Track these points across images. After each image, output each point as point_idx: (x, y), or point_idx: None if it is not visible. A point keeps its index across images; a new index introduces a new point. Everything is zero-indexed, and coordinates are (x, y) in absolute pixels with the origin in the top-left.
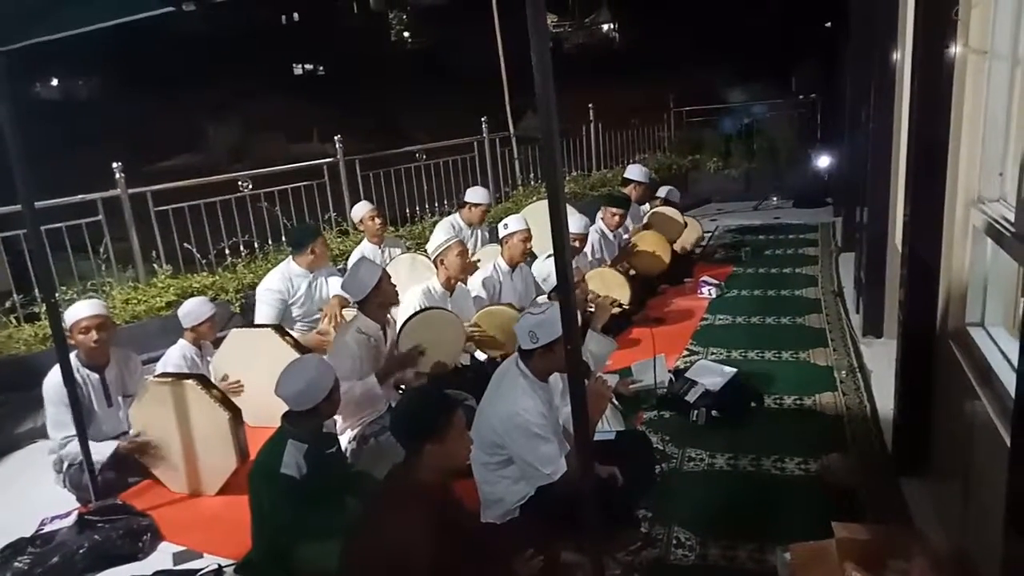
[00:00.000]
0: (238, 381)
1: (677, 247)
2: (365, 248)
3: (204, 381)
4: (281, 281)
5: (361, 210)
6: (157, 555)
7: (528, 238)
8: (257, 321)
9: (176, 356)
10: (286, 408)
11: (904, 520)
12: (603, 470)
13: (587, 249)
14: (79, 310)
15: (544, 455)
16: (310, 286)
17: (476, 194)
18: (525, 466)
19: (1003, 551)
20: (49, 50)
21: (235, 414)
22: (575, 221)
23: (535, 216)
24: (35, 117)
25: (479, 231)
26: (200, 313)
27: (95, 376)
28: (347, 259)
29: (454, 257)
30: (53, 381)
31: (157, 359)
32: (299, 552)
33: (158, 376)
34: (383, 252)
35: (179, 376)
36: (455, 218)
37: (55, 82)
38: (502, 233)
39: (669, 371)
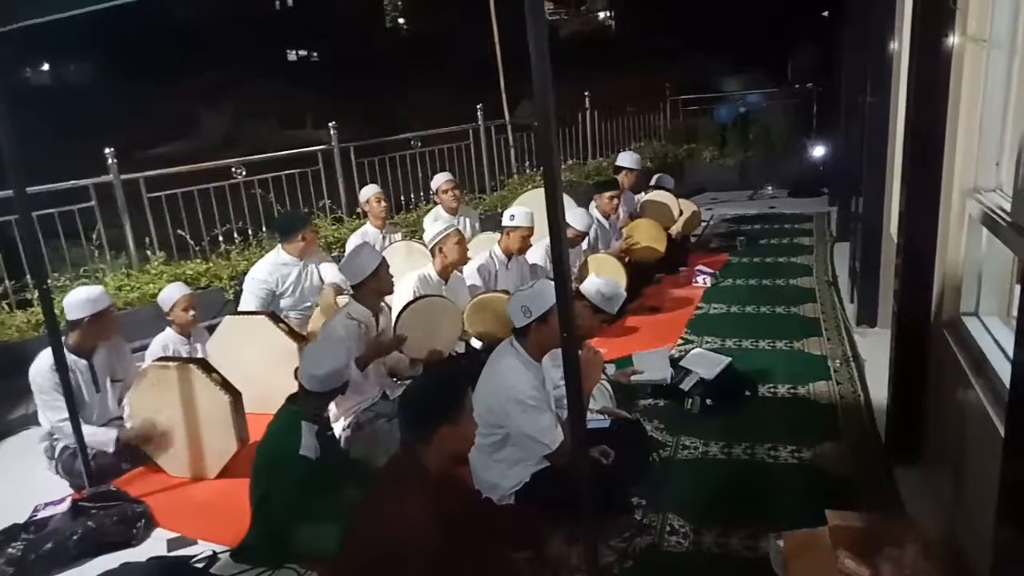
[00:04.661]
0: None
1: (673, 232)
2: (368, 231)
3: (205, 365)
4: (270, 271)
5: (368, 192)
6: (151, 542)
7: (531, 235)
8: (241, 310)
9: (156, 349)
10: (281, 393)
11: (897, 508)
12: (595, 449)
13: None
14: (96, 301)
15: (542, 426)
16: (299, 275)
17: (437, 178)
18: (524, 439)
19: (994, 539)
20: (40, 34)
21: (235, 397)
22: (579, 217)
23: (532, 204)
24: (26, 102)
25: (467, 220)
26: (169, 297)
27: (83, 362)
28: (342, 246)
29: (452, 245)
30: (40, 368)
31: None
32: (302, 535)
33: (157, 360)
34: (385, 238)
35: (181, 360)
36: (438, 210)
37: (46, 67)
38: (506, 223)
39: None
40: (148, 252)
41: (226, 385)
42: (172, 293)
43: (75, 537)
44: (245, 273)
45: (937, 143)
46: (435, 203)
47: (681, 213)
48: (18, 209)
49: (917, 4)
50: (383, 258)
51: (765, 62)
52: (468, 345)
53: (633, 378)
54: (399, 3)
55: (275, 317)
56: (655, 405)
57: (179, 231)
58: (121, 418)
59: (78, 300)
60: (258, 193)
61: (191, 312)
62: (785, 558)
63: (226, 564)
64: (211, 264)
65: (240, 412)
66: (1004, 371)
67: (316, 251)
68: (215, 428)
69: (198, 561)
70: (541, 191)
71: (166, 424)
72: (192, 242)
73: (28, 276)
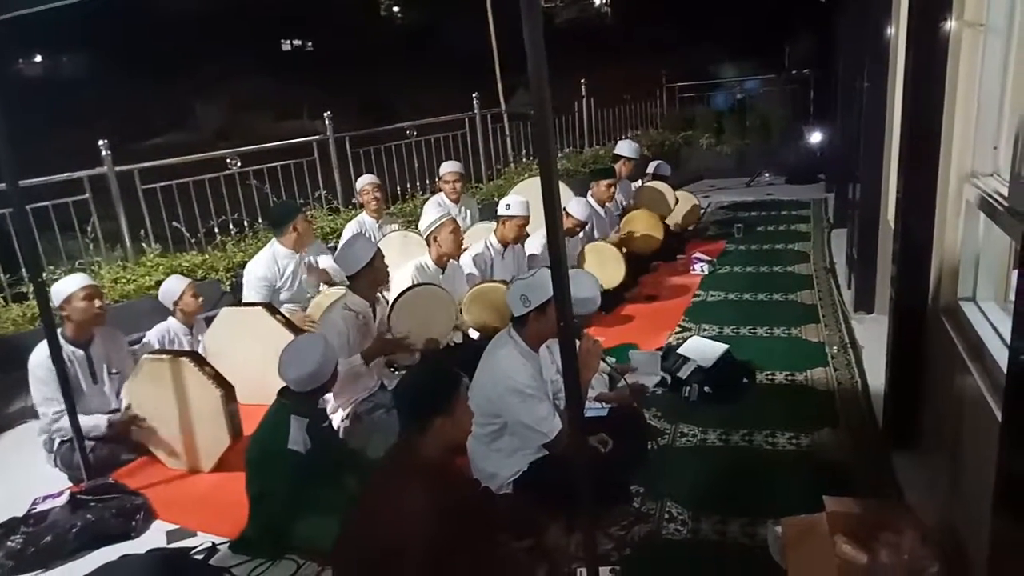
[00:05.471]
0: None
1: (670, 223)
2: (364, 220)
3: (197, 358)
4: (267, 267)
5: (364, 181)
6: (150, 534)
7: (526, 224)
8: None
9: (155, 336)
10: (277, 385)
11: (894, 494)
12: (593, 437)
13: None
14: (72, 282)
15: (539, 415)
16: (297, 267)
17: (445, 166)
18: (523, 429)
19: (991, 525)
20: (33, 26)
21: (227, 391)
22: (578, 206)
23: (529, 192)
24: (19, 94)
25: (468, 210)
26: (174, 289)
27: (80, 353)
28: (339, 237)
29: (447, 234)
30: (39, 359)
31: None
32: (301, 527)
33: (152, 353)
34: (380, 228)
35: (173, 353)
36: (440, 197)
37: (39, 59)
38: (501, 212)
39: (660, 349)
40: (144, 244)
41: (218, 378)
42: (177, 284)
43: (74, 530)
44: (241, 265)
45: (934, 128)
46: (437, 190)
47: (677, 202)
48: (12, 202)
49: None
50: (378, 248)
51: (762, 49)
52: (466, 335)
53: (628, 376)
54: None
55: (271, 308)
56: (653, 393)
57: (174, 223)
58: (119, 410)
59: (54, 291)
60: (254, 184)
61: (200, 298)
62: (783, 544)
63: (225, 556)
64: (207, 256)
65: (233, 405)
66: (1001, 356)
67: (312, 242)
68: (208, 421)
69: (197, 553)
70: (537, 180)
71: (161, 415)
72: (188, 234)
73: (23, 269)
